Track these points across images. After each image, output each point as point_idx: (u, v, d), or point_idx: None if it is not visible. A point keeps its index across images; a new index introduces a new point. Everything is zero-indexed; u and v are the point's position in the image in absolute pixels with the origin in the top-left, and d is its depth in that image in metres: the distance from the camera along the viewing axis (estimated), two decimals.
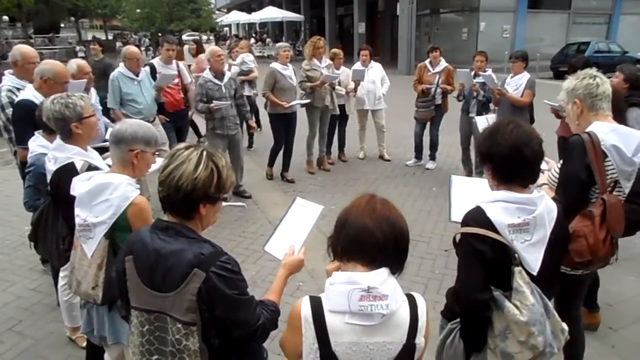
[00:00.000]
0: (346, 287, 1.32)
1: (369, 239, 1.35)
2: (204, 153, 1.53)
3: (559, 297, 2.53)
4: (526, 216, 1.68)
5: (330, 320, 1.34)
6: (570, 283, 2.42)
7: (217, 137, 5.49)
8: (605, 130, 2.17)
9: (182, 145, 1.58)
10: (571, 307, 2.60)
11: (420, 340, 1.39)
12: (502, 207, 1.69)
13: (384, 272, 1.35)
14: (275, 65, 6.11)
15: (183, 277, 1.45)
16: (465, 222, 1.75)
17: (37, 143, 2.94)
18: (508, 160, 1.70)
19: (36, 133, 2.99)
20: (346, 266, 1.41)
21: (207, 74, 5.46)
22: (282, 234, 2.02)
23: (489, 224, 1.68)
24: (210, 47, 5.72)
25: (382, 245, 1.35)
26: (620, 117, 2.51)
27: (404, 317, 1.37)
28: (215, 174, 1.52)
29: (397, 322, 1.36)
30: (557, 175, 2.28)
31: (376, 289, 1.31)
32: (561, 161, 2.28)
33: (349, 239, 1.39)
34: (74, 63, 4.29)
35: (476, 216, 1.72)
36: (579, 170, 2.16)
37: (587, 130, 2.19)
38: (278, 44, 6.66)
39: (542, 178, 2.34)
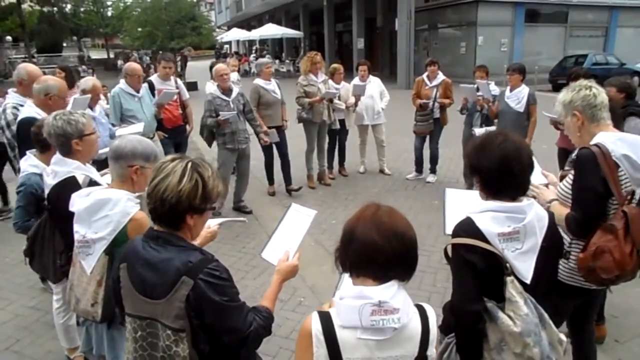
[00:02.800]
0: (357, 301, 1.31)
1: (379, 256, 1.34)
2: (189, 164, 1.54)
3: (575, 312, 2.48)
4: (516, 225, 1.67)
5: (342, 335, 1.33)
6: (587, 298, 2.38)
7: (228, 151, 5.58)
8: (613, 140, 2.13)
9: (168, 157, 1.59)
10: (585, 321, 2.57)
11: (432, 351, 1.38)
12: (491, 216, 1.69)
13: (393, 284, 1.34)
14: (258, 80, 6.20)
15: (172, 284, 1.47)
16: (456, 233, 1.74)
17: (28, 162, 2.94)
18: (496, 174, 1.70)
19: (28, 152, 2.99)
20: (355, 280, 1.40)
21: (215, 90, 5.57)
22: (278, 240, 2.03)
23: (478, 234, 1.67)
24: (216, 66, 5.80)
25: (392, 261, 1.34)
26: (616, 126, 2.48)
27: (416, 330, 1.36)
28: (200, 185, 1.53)
29: (409, 335, 1.35)
30: (567, 190, 2.22)
31: (387, 303, 1.30)
32: (570, 175, 2.22)
33: (358, 256, 1.37)
34: (91, 81, 4.37)
35: (466, 227, 1.71)
36: (594, 184, 2.09)
37: (595, 142, 2.15)
38: (259, 61, 6.72)
39: (551, 193, 2.30)
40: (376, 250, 1.33)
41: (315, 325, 1.35)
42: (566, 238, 2.26)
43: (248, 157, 5.86)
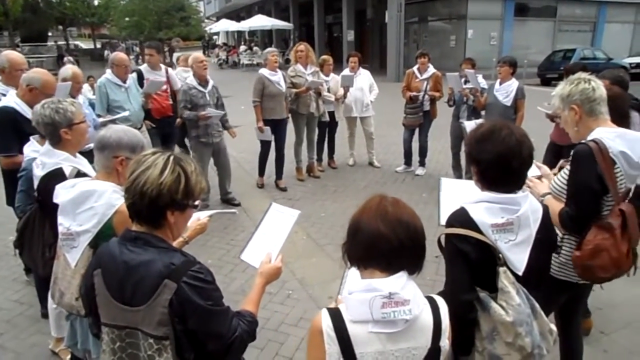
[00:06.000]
0: (367, 295, 1.29)
1: (384, 245, 1.32)
2: (171, 158, 1.47)
3: (564, 304, 2.50)
4: (510, 216, 1.66)
5: (353, 330, 1.30)
6: (577, 292, 2.39)
7: (202, 146, 5.46)
8: (611, 137, 2.10)
9: (149, 150, 1.53)
10: (573, 313, 2.59)
11: (444, 342, 1.37)
12: (485, 207, 1.68)
13: (403, 275, 1.32)
14: (263, 71, 6.06)
15: (153, 289, 1.38)
16: (450, 223, 1.74)
17: (31, 148, 2.89)
18: (494, 168, 1.69)
19: (31, 138, 2.94)
20: (363, 273, 1.38)
21: (191, 80, 5.40)
22: (259, 241, 1.97)
23: (472, 224, 1.67)
24: (194, 54, 5.66)
25: (398, 250, 1.32)
26: (624, 121, 2.45)
27: (427, 321, 1.35)
28: (183, 179, 1.45)
29: (421, 326, 1.34)
30: (561, 185, 2.20)
31: (397, 294, 1.28)
32: (565, 170, 2.20)
33: (364, 247, 1.35)
34: (70, 69, 4.27)
35: (460, 217, 1.71)
36: (590, 180, 2.06)
37: (593, 137, 2.12)
38: (266, 50, 6.45)
39: (544, 187, 2.29)
40: (381, 240, 1.32)
41: (326, 322, 1.32)
42: (558, 233, 2.24)
43: (224, 150, 5.75)
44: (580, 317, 2.70)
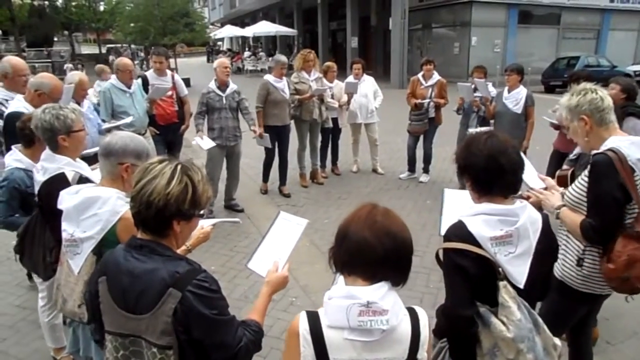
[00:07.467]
0: (345, 301, 1.29)
1: (369, 254, 1.32)
2: (179, 167, 1.46)
3: (583, 317, 2.45)
4: (508, 228, 1.64)
5: (329, 335, 1.31)
6: (596, 303, 2.36)
7: (216, 148, 5.50)
8: (626, 145, 2.08)
9: (156, 158, 1.51)
10: (586, 325, 2.56)
11: (422, 355, 1.36)
12: (483, 219, 1.66)
13: (383, 286, 1.32)
14: (268, 77, 6.09)
15: (157, 297, 1.37)
16: (447, 237, 1.71)
17: (13, 157, 2.89)
18: (485, 170, 1.67)
19: (13, 147, 2.94)
20: (347, 279, 1.38)
21: (212, 84, 5.48)
22: (266, 250, 1.96)
23: (470, 238, 1.64)
24: (218, 59, 5.73)
25: (383, 260, 1.32)
26: None
27: (406, 332, 1.34)
28: (190, 189, 1.44)
29: (398, 337, 1.33)
30: (578, 196, 2.15)
31: (376, 303, 1.28)
32: (581, 180, 2.16)
33: (349, 253, 1.36)
34: (77, 76, 4.30)
35: (457, 230, 1.68)
36: (613, 190, 2.03)
37: (609, 146, 2.10)
38: (279, 58, 6.33)
39: (557, 199, 2.25)
40: (367, 249, 1.32)
41: (303, 325, 1.34)
42: (579, 245, 2.21)
43: (238, 155, 5.78)
44: (591, 330, 2.67)
